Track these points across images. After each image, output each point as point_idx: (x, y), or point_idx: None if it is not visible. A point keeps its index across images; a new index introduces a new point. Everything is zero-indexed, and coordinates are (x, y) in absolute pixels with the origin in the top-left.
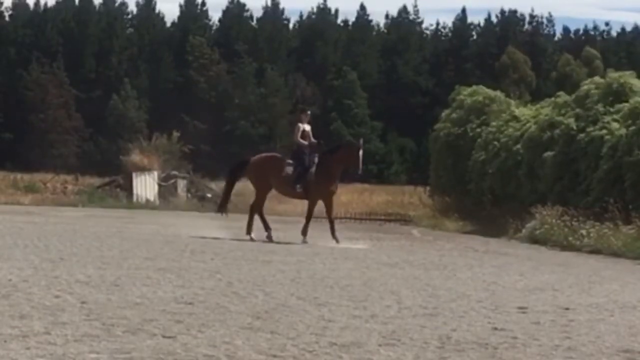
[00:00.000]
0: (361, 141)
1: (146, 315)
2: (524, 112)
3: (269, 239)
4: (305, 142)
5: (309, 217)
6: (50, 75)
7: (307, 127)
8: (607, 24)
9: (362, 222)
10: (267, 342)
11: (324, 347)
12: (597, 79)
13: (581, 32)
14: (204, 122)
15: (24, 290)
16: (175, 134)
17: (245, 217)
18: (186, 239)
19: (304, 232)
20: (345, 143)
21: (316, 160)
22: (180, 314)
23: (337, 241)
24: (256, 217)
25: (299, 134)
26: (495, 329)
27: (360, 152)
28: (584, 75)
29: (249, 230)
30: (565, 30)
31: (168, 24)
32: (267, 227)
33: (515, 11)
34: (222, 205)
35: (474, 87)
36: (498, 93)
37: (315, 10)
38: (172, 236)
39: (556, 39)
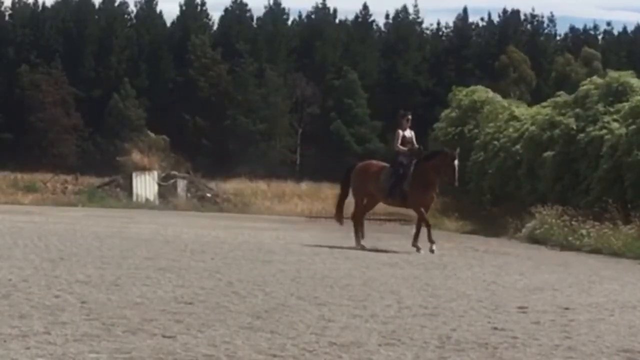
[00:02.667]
0: (457, 151)
1: (146, 315)
2: (522, 112)
3: (362, 247)
4: (405, 149)
5: (425, 223)
6: (49, 75)
7: (409, 133)
8: (608, 23)
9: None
10: (267, 342)
11: (324, 346)
12: (596, 78)
13: (582, 31)
14: (204, 120)
15: (24, 289)
16: (149, 131)
17: (247, 217)
18: (185, 239)
19: (415, 241)
20: (440, 151)
21: (412, 168)
22: (180, 313)
23: (432, 247)
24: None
25: (399, 140)
26: (495, 328)
27: (455, 162)
28: (583, 75)
29: (357, 240)
30: (567, 30)
31: (168, 24)
32: (362, 236)
33: (516, 11)
34: (338, 214)
35: (472, 87)
36: (491, 94)
37: (315, 9)
38: (172, 236)
39: (557, 38)
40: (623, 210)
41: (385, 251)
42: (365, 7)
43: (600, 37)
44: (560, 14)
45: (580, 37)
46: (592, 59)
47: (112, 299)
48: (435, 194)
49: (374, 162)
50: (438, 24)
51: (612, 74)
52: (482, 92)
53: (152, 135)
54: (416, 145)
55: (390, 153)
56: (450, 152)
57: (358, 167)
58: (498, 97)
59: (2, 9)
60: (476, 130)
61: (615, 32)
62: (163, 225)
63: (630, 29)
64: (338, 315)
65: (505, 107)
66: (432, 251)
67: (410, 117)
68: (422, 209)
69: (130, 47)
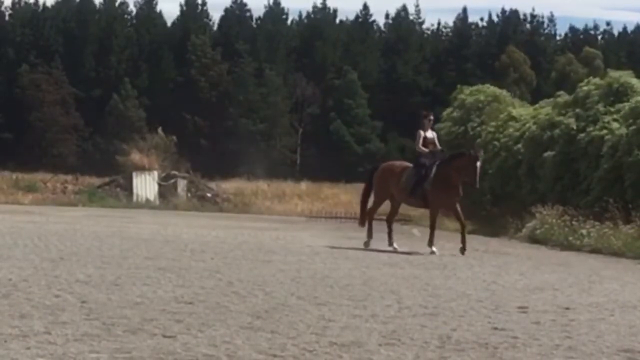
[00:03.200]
0: (481, 152)
1: (146, 315)
2: (522, 112)
3: (365, 245)
4: (426, 150)
5: (432, 226)
6: (49, 75)
7: (430, 134)
8: (608, 23)
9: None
10: (267, 342)
11: (324, 346)
12: (597, 79)
13: (582, 31)
14: (204, 120)
15: (24, 289)
16: (159, 129)
17: (247, 217)
18: (185, 238)
19: (430, 243)
20: (463, 152)
21: (434, 169)
22: (180, 313)
23: (463, 251)
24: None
25: (420, 141)
26: (496, 328)
27: (478, 164)
28: (584, 74)
29: (390, 241)
30: (567, 30)
31: (168, 24)
32: (370, 235)
33: (515, 11)
34: (362, 218)
35: (477, 86)
36: (503, 92)
37: (315, 9)
38: (172, 236)
39: (557, 38)
40: (623, 210)
41: (409, 253)
42: (365, 7)
43: (599, 37)
44: (560, 14)
45: (580, 37)
46: (593, 58)
47: (112, 299)
48: (458, 195)
49: (397, 162)
50: (438, 24)
51: (613, 73)
52: (489, 90)
53: (162, 135)
54: (438, 147)
55: (389, 153)
56: (474, 154)
57: (381, 168)
58: (504, 95)
59: (2, 8)
60: (479, 129)
61: (615, 32)
62: (163, 225)
63: (630, 29)
64: (338, 315)
65: (509, 104)
66: (432, 252)
67: (432, 117)
68: (436, 213)
69: (131, 47)
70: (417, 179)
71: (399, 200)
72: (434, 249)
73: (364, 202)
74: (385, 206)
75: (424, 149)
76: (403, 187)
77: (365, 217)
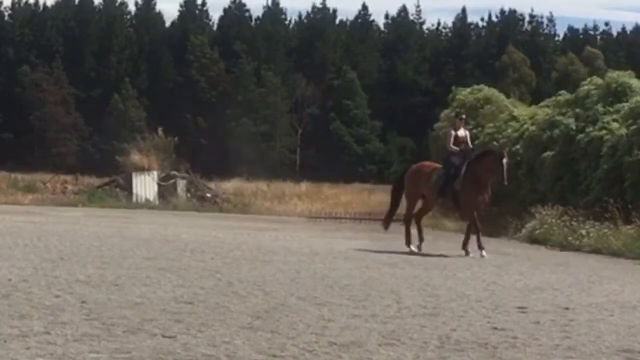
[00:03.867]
0: (505, 150)
1: (146, 315)
2: (522, 112)
3: (418, 248)
4: (457, 149)
5: (469, 229)
6: (50, 75)
7: (463, 133)
8: (607, 24)
9: (362, 222)
10: (267, 342)
11: (324, 347)
12: (597, 79)
13: (582, 32)
14: (205, 120)
15: (24, 290)
16: (160, 129)
17: (247, 218)
18: (185, 239)
19: (479, 246)
20: (490, 150)
21: (464, 168)
22: (180, 313)
23: (482, 254)
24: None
25: (451, 140)
26: (495, 329)
27: (505, 161)
28: (585, 75)
29: (407, 241)
30: (568, 30)
31: (168, 24)
32: (421, 238)
33: (515, 11)
34: (387, 220)
35: (474, 87)
36: (496, 92)
37: (315, 10)
38: (172, 236)
39: (557, 39)
40: (623, 211)
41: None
42: (364, 7)
43: (599, 37)
44: (559, 14)
45: (580, 38)
46: (595, 58)
47: (112, 299)
48: (488, 195)
49: (427, 163)
50: (438, 24)
51: (612, 74)
52: (487, 91)
53: (162, 135)
54: (470, 146)
55: (388, 153)
56: (500, 151)
57: (412, 169)
58: (502, 97)
59: (2, 9)
60: (475, 131)
61: (614, 33)
62: (163, 226)
63: (629, 29)
64: (338, 316)
65: (507, 107)
66: (482, 256)
67: (464, 117)
68: (475, 213)
69: (131, 48)
70: (446, 179)
71: (430, 201)
72: (484, 253)
73: (394, 205)
74: (380, 206)
75: (455, 148)
76: (433, 188)
77: (391, 221)
